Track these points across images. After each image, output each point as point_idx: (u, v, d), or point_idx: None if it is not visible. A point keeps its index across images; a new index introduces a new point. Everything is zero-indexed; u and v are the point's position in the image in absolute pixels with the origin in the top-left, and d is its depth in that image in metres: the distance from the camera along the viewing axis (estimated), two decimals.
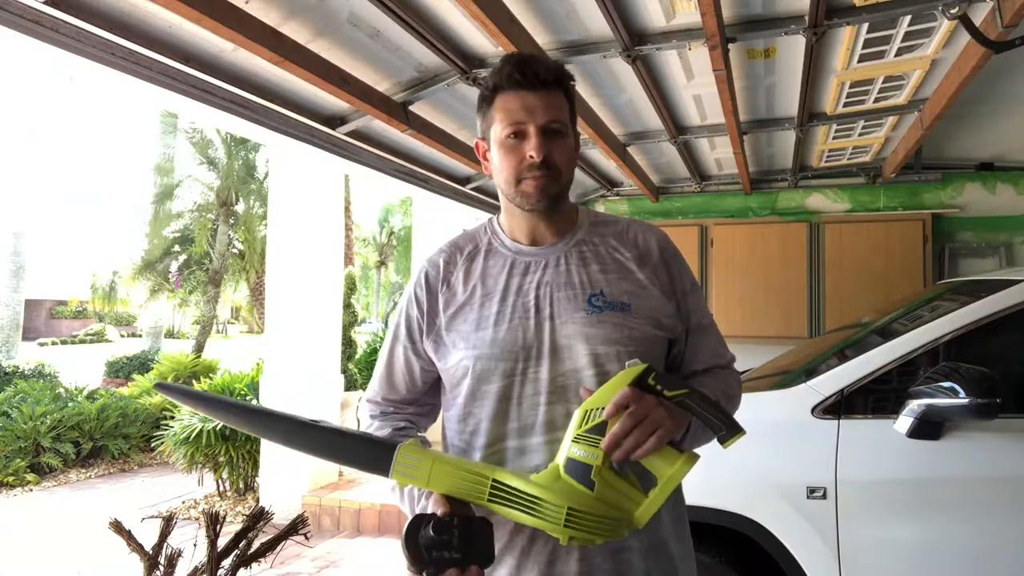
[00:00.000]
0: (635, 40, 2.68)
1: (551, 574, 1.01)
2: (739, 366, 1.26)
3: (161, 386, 1.06)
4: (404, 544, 0.89)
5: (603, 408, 0.92)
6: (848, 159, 4.83)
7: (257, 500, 4.99)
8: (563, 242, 1.12)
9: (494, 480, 0.93)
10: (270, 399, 4.83)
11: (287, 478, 4.70)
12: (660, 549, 1.06)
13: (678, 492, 1.14)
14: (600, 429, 0.92)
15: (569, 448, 0.93)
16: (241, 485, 5.26)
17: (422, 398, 1.20)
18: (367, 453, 0.99)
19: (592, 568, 1.01)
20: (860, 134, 4.14)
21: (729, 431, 0.94)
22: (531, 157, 1.04)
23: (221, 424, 4.97)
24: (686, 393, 0.94)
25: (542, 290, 1.08)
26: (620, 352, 1.03)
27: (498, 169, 1.09)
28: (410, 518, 0.91)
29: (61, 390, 7.32)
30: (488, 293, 1.10)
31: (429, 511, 0.94)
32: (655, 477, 0.94)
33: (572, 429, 0.94)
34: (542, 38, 2.68)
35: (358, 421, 1.26)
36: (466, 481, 0.93)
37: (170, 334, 21.98)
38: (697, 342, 1.14)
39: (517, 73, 1.05)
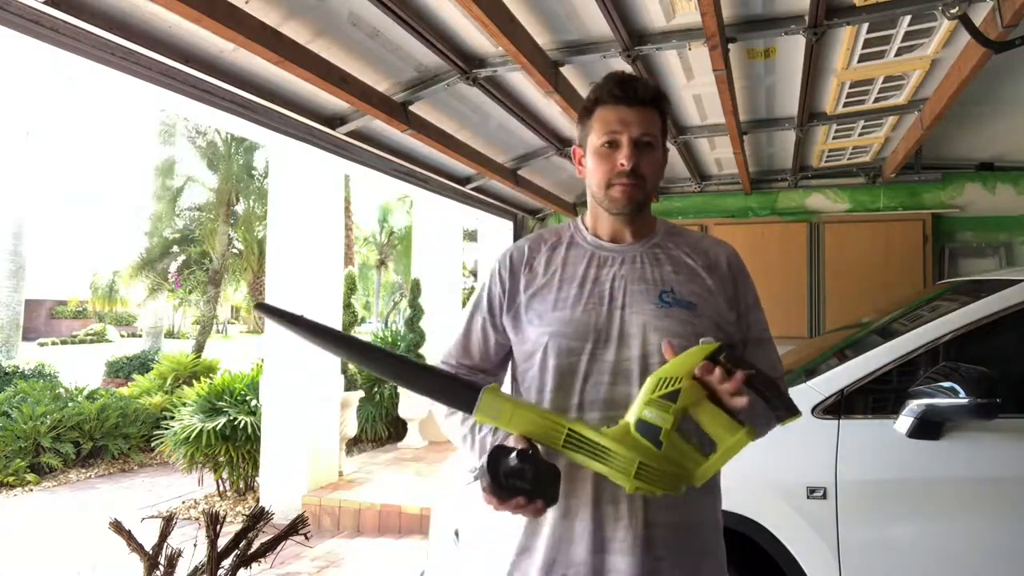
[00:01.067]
0: (635, 40, 2.68)
1: (601, 537, 1.09)
2: None
3: (260, 306, 1.10)
4: (486, 467, 0.99)
5: (678, 377, 1.01)
6: (848, 159, 4.82)
7: (257, 500, 5.00)
8: (640, 243, 1.22)
9: (570, 428, 1.02)
10: (270, 399, 4.83)
11: (287, 478, 4.70)
12: (689, 526, 1.14)
13: (718, 503, 1.22)
14: (673, 396, 1.00)
15: (641, 410, 1.01)
16: (241, 485, 5.26)
17: (491, 368, 1.29)
18: (454, 391, 1.09)
19: (636, 536, 1.09)
20: (860, 134, 4.14)
21: (787, 412, 1.02)
22: (622, 165, 1.15)
23: (221, 424, 4.98)
24: (752, 373, 1.01)
25: (617, 282, 1.18)
26: (683, 346, 1.10)
27: (591, 173, 1.20)
28: (491, 448, 1.01)
29: (61, 390, 7.31)
30: (567, 279, 1.20)
31: (511, 444, 1.03)
32: (715, 445, 1.02)
33: (644, 393, 1.02)
34: (542, 38, 2.68)
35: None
36: (543, 427, 1.02)
37: (170, 334, 21.97)
38: (755, 354, 1.21)
39: (617, 89, 1.16)
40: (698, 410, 1.02)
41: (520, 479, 0.99)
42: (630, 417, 1.02)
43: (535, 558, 1.14)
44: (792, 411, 1.02)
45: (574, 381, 1.14)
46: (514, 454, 1.00)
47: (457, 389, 1.08)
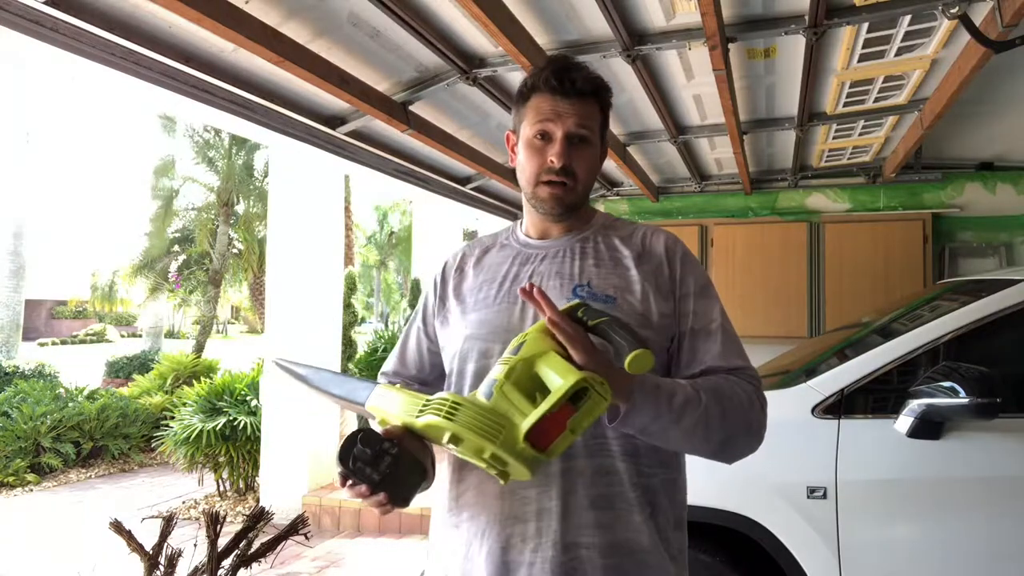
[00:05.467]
0: (635, 40, 2.68)
1: (506, 561, 1.01)
2: None
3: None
4: (341, 444, 0.94)
5: (527, 333, 0.94)
6: (848, 159, 4.82)
7: (257, 500, 5.00)
8: (567, 238, 1.16)
9: (426, 400, 0.95)
10: (270, 399, 4.83)
11: (287, 478, 4.70)
12: (624, 550, 1.01)
13: (679, 505, 1.09)
14: (516, 350, 0.92)
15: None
16: (241, 485, 5.26)
17: (429, 379, 1.25)
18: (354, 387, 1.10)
19: (545, 559, 0.99)
20: (860, 134, 4.14)
21: (631, 347, 0.88)
22: (552, 162, 1.08)
23: (221, 424, 4.98)
24: (606, 320, 0.93)
25: (536, 278, 1.12)
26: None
27: (521, 167, 1.13)
28: (355, 429, 0.97)
29: (61, 390, 7.31)
30: (489, 280, 1.16)
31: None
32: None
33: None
34: (542, 38, 2.68)
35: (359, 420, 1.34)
36: (410, 404, 0.97)
37: (170, 334, 21.98)
38: (696, 346, 1.07)
39: (554, 79, 1.07)
40: (542, 363, 0.90)
41: (369, 466, 0.93)
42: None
43: None
44: (635, 345, 0.88)
45: None
46: (360, 436, 0.94)
47: (356, 384, 1.11)
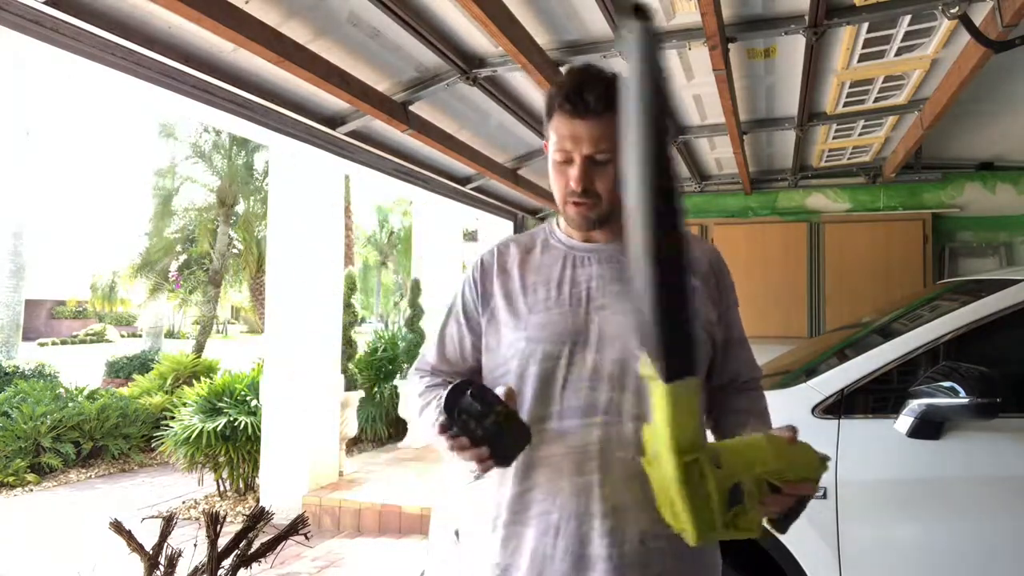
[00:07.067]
0: None
1: (584, 554, 1.05)
2: None
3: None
4: (445, 395, 0.95)
5: (790, 480, 0.93)
6: (848, 159, 4.82)
7: (257, 500, 5.00)
8: (616, 242, 1.17)
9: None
10: (270, 399, 4.83)
11: (287, 478, 4.70)
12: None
13: None
14: (775, 489, 0.92)
15: (753, 474, 0.90)
16: (241, 485, 5.26)
17: (464, 371, 1.26)
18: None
19: (623, 553, 1.04)
20: (860, 134, 4.14)
21: (781, 528, 0.99)
22: (572, 186, 1.11)
23: (221, 424, 4.99)
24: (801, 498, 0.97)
25: (595, 282, 1.14)
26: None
27: (552, 183, 1.17)
28: (460, 380, 0.98)
29: (61, 390, 7.31)
30: (542, 281, 1.17)
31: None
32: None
33: (764, 461, 0.91)
34: (542, 38, 2.68)
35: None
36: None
37: (170, 334, 21.95)
38: (735, 354, 1.23)
39: (568, 102, 1.08)
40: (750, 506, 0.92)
41: (474, 420, 0.93)
42: (742, 470, 0.89)
43: None
44: (782, 530, 1.00)
45: (552, 387, 1.09)
46: (470, 391, 0.94)
47: None
